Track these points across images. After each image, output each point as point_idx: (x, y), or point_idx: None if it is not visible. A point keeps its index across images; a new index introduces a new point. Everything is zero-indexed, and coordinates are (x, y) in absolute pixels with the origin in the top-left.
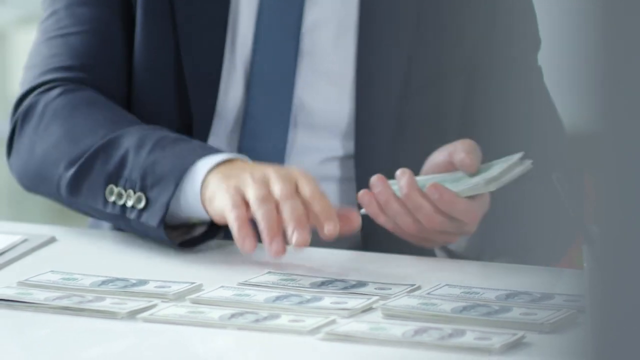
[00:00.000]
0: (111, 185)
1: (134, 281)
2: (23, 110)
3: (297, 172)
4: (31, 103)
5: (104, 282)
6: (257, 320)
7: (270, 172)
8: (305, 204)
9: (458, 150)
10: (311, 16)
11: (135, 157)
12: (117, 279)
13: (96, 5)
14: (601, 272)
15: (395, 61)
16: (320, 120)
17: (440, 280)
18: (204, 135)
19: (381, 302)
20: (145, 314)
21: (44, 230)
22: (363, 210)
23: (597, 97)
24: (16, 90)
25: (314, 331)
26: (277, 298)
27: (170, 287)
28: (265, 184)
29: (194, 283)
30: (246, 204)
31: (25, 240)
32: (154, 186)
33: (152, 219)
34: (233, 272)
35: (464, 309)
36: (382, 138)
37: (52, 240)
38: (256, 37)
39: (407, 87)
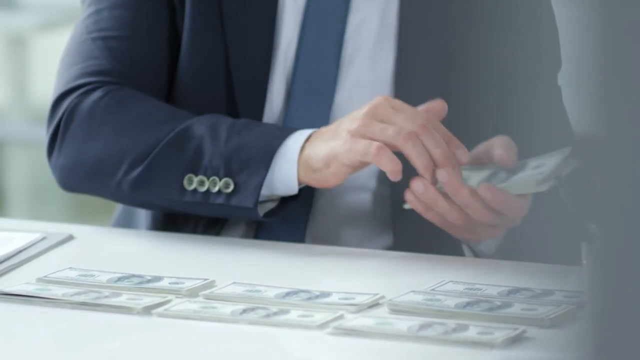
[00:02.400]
0: (190, 175)
1: (149, 278)
2: (65, 111)
3: (388, 98)
4: (74, 104)
5: (120, 279)
6: (267, 316)
7: (374, 110)
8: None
9: (496, 145)
10: (353, 25)
11: (213, 145)
12: (133, 276)
13: (140, 10)
14: (600, 269)
15: (433, 70)
16: None
17: (444, 277)
18: None
19: (387, 298)
20: (159, 309)
21: (62, 229)
22: (407, 205)
23: (596, 98)
24: (36, 95)
25: (322, 326)
26: (287, 294)
27: (183, 283)
28: (389, 121)
29: (206, 279)
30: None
31: (43, 239)
32: (241, 170)
33: (245, 201)
34: (245, 269)
35: (467, 304)
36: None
37: (69, 238)
38: (299, 45)
39: (445, 95)
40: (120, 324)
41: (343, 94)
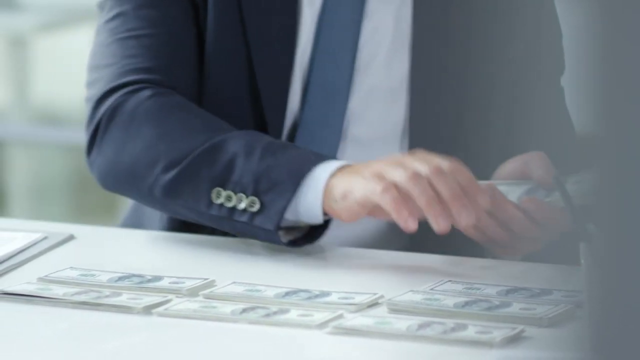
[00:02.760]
0: (218, 188)
1: (149, 277)
2: (108, 109)
3: (421, 152)
4: (118, 103)
5: (120, 278)
6: (267, 315)
7: (402, 158)
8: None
9: (535, 164)
10: (367, 31)
11: (245, 162)
12: (133, 275)
13: (167, 9)
14: (599, 269)
15: (448, 75)
16: (371, 133)
17: (443, 277)
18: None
19: (386, 298)
20: (160, 309)
21: (63, 229)
22: None
23: (596, 98)
24: (37, 95)
25: (322, 325)
26: (287, 294)
27: (184, 283)
28: (405, 167)
29: (206, 279)
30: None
31: (45, 238)
32: (269, 191)
33: (267, 222)
34: (245, 268)
35: (466, 304)
36: (434, 152)
37: (70, 238)
38: (314, 49)
39: (460, 100)
40: (120, 324)
41: (357, 99)
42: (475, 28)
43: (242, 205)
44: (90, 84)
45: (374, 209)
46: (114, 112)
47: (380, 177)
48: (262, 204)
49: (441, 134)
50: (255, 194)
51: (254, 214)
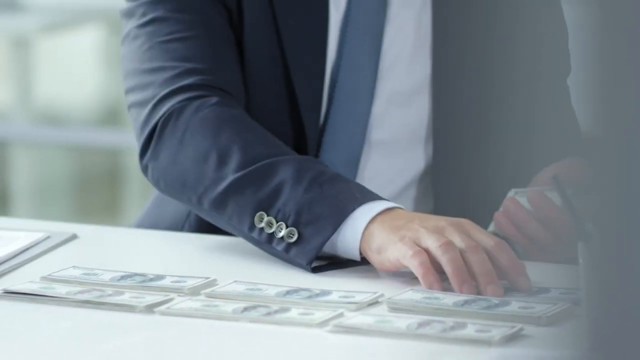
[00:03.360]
0: (261, 212)
1: (152, 276)
2: (166, 113)
3: (468, 222)
4: (175, 108)
5: (123, 277)
6: (268, 314)
7: (442, 222)
8: (489, 256)
9: (574, 170)
10: (390, 35)
11: (291, 191)
12: (136, 274)
13: (204, 13)
14: (597, 267)
15: (469, 76)
16: (394, 136)
17: (442, 276)
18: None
19: (387, 297)
20: (162, 308)
21: (66, 228)
22: (492, 227)
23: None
24: (40, 96)
25: (322, 324)
26: (288, 292)
27: (185, 282)
28: (441, 234)
29: (208, 278)
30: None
31: (48, 238)
32: (309, 225)
33: (301, 257)
34: (246, 267)
35: (465, 302)
36: (456, 155)
37: (73, 237)
38: (339, 54)
39: (481, 101)
40: (123, 322)
41: (380, 103)
42: (493, 29)
43: (280, 234)
44: (136, 88)
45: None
46: (170, 117)
47: (413, 240)
48: (300, 236)
49: (464, 135)
50: (295, 225)
51: (290, 245)
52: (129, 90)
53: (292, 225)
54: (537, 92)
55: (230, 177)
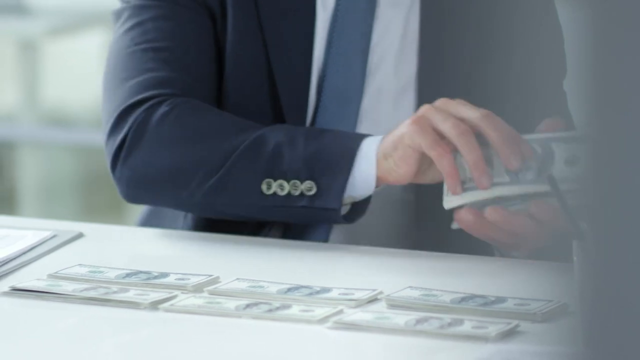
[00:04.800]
0: (268, 180)
1: (156, 274)
2: (134, 123)
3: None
4: (143, 117)
5: (128, 275)
6: (270, 310)
7: (445, 103)
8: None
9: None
10: (377, 33)
11: (291, 150)
12: (140, 272)
13: (185, 20)
14: (591, 265)
15: (455, 75)
16: (381, 133)
17: (440, 274)
18: None
19: (385, 294)
20: (166, 305)
21: (72, 227)
22: (455, 225)
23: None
24: (46, 98)
25: (322, 320)
26: (289, 290)
27: (189, 279)
28: (451, 115)
29: (211, 275)
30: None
31: (54, 236)
32: (323, 173)
33: (330, 202)
34: (248, 265)
35: (462, 300)
36: None
37: (79, 236)
38: (327, 52)
39: (467, 100)
40: (128, 319)
41: (368, 100)
42: (481, 30)
43: (297, 191)
44: (106, 94)
45: (424, 161)
46: (140, 127)
47: (425, 121)
48: (319, 187)
49: None
50: (310, 177)
51: (312, 197)
52: (104, 93)
53: (308, 179)
54: (530, 95)
55: (223, 163)
